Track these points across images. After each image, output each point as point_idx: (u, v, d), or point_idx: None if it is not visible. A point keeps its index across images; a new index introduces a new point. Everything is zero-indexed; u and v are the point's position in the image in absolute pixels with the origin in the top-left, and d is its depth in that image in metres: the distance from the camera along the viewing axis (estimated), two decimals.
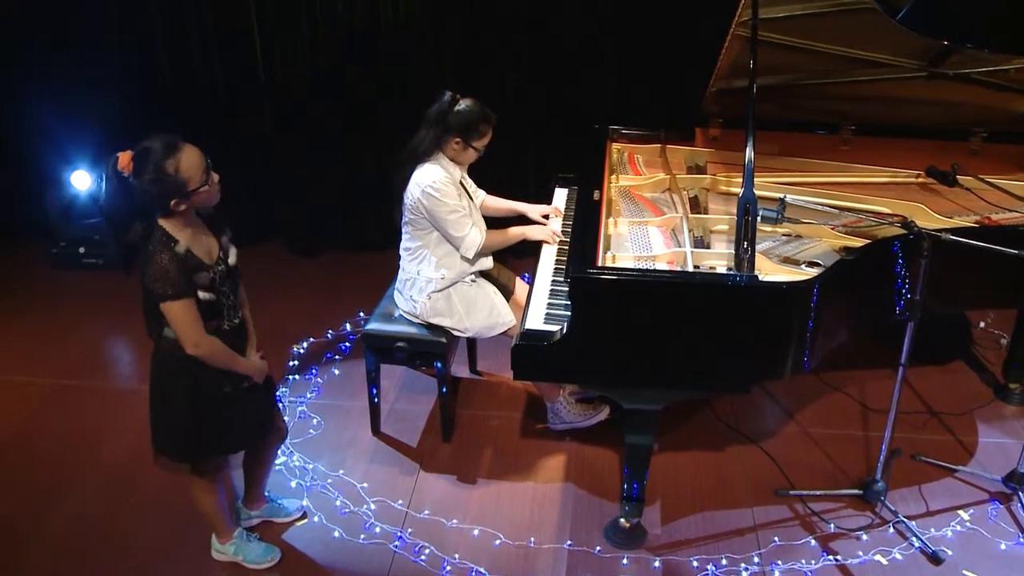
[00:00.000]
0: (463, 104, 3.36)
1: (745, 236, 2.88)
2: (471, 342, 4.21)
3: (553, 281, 3.30)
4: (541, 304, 3.15)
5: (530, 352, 2.91)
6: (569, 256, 3.27)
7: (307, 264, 5.39)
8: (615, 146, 4.13)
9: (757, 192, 2.96)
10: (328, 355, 4.36)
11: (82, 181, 5.00)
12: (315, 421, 3.88)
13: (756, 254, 2.89)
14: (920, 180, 3.80)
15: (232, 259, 2.74)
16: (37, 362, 4.35)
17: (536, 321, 3.05)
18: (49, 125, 4.91)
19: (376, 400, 3.78)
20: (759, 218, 3.08)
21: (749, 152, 3.01)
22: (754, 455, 3.69)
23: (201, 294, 2.59)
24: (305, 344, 4.42)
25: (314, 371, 4.24)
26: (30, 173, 5.11)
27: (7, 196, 5.31)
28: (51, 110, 4.89)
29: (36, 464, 3.64)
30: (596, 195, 3.51)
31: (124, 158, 2.44)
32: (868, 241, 3.17)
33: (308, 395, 4.06)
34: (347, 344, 4.44)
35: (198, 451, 2.80)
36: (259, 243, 5.41)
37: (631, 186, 3.77)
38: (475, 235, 3.43)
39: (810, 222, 3.31)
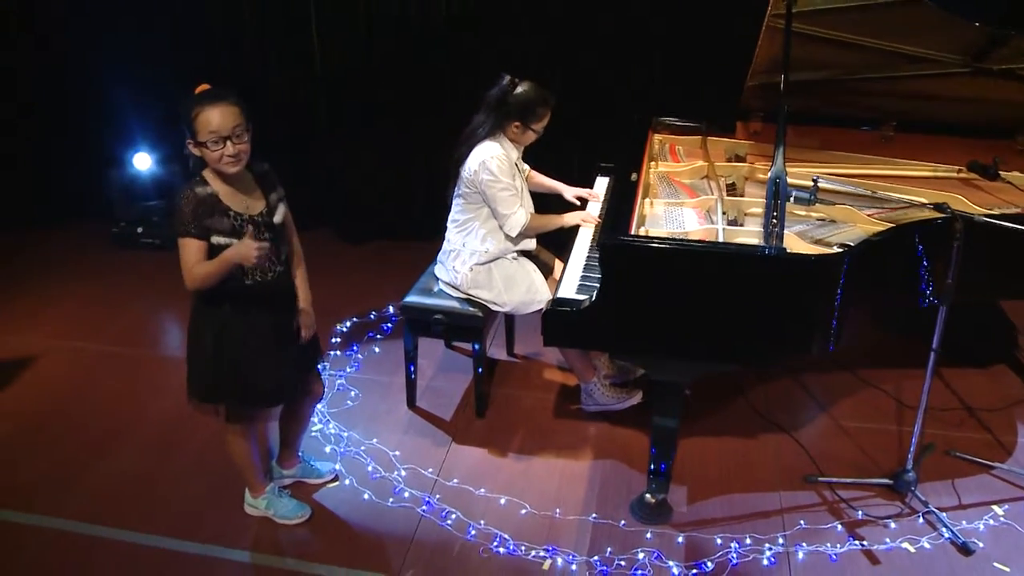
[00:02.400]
0: (522, 87, 3.46)
1: (775, 209, 2.91)
2: (509, 325, 4.28)
3: (588, 257, 3.37)
4: (575, 275, 3.22)
5: (560, 317, 2.98)
6: (602, 227, 3.33)
7: (355, 251, 5.52)
8: (657, 137, 4.19)
9: (794, 180, 2.99)
10: (370, 334, 4.47)
11: (143, 162, 5.21)
12: (353, 393, 3.99)
13: (790, 235, 2.92)
14: (962, 176, 3.78)
15: (279, 217, 2.83)
16: (92, 330, 4.55)
17: (569, 291, 3.12)
18: (114, 107, 5.15)
19: (413, 376, 3.87)
20: (792, 199, 3.12)
21: (781, 129, 3.04)
22: (785, 443, 3.68)
23: (216, 238, 2.68)
24: (348, 323, 4.54)
25: (355, 347, 4.35)
26: (93, 153, 5.33)
27: (72, 175, 5.55)
28: (116, 94, 5.13)
29: (86, 420, 3.80)
30: (633, 176, 3.57)
31: (202, 87, 2.63)
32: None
33: (348, 369, 4.17)
34: (389, 325, 4.54)
35: (220, 397, 2.91)
36: (309, 230, 5.53)
37: (669, 172, 3.82)
38: (521, 215, 3.51)
39: (844, 204, 3.33)
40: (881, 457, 3.59)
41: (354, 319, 4.58)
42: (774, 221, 2.89)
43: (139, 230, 5.28)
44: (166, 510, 3.28)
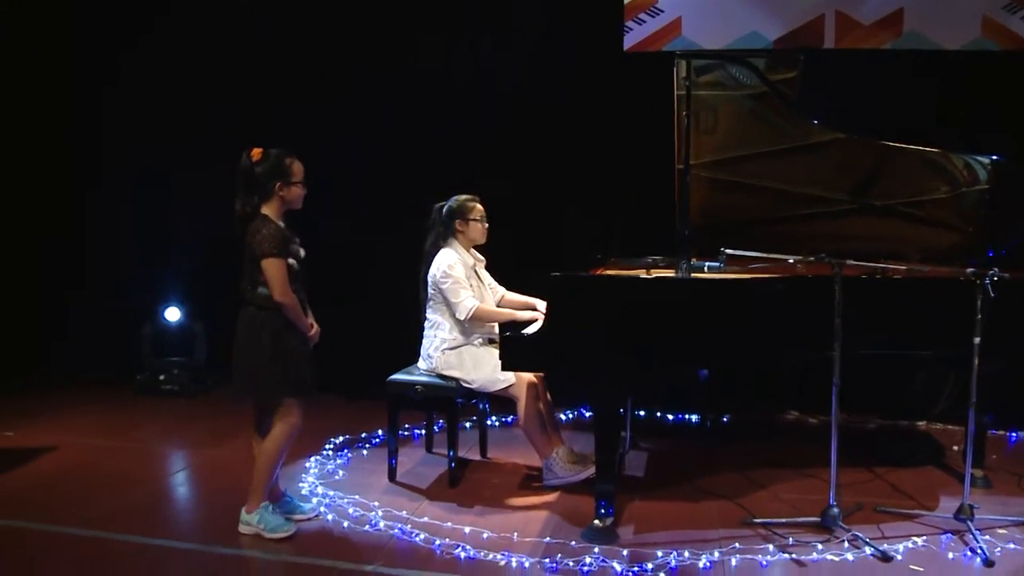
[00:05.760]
0: (449, 201, 4.39)
1: (685, 257, 3.66)
2: (483, 432, 4.79)
3: None
4: (535, 327, 3.89)
5: (515, 342, 3.64)
6: None
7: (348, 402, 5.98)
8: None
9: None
10: (360, 445, 4.96)
11: (173, 315, 5.99)
12: (341, 473, 4.45)
13: None
14: None
15: (303, 254, 3.65)
16: (107, 432, 5.23)
17: (528, 331, 3.80)
18: (148, 265, 6.10)
19: (394, 464, 4.37)
20: (706, 268, 3.88)
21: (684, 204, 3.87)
22: (726, 506, 4.06)
23: (291, 261, 3.51)
24: (341, 438, 5.03)
25: (345, 450, 4.84)
26: (129, 308, 6.17)
27: (106, 328, 6.31)
28: (151, 254, 6.11)
29: (107, 478, 4.38)
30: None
31: (256, 151, 3.53)
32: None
33: (338, 461, 4.65)
34: (376, 440, 5.03)
35: (271, 388, 3.54)
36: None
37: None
38: (468, 302, 4.20)
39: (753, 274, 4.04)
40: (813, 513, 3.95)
41: (346, 436, 5.08)
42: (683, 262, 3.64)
43: (161, 377, 5.92)
44: (171, 524, 3.80)
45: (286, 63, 6.03)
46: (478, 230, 4.38)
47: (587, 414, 5.49)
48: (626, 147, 5.56)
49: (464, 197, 4.39)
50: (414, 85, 5.95)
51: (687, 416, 5.55)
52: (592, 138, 5.66)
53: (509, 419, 5.30)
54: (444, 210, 4.38)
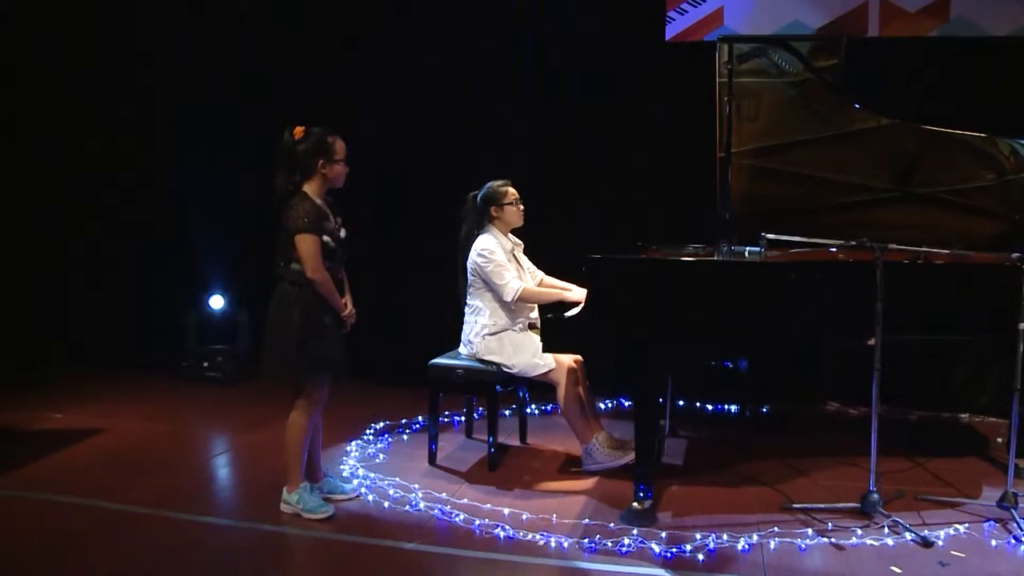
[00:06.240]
0: (484, 189, 4.41)
1: (727, 242, 3.66)
2: (522, 418, 4.82)
3: None
4: (577, 309, 3.91)
5: (558, 324, 3.67)
6: None
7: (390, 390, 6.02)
8: None
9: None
10: (400, 430, 5.02)
11: (217, 303, 6.11)
12: (381, 457, 4.51)
13: None
14: None
15: (343, 234, 3.70)
16: (151, 416, 5.33)
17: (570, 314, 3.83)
18: (194, 254, 6.24)
19: (434, 448, 4.42)
20: (747, 253, 3.87)
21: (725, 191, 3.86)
22: (766, 492, 4.05)
23: (326, 238, 3.55)
24: (381, 423, 5.09)
25: (386, 435, 4.90)
26: (173, 296, 6.31)
27: (151, 317, 6.45)
28: (196, 243, 6.24)
29: (153, 459, 4.52)
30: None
31: (299, 129, 3.58)
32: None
33: (378, 445, 4.71)
34: (417, 425, 5.08)
35: (299, 363, 3.57)
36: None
37: None
38: (514, 283, 4.23)
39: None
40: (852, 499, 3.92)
41: (386, 422, 5.14)
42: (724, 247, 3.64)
43: (205, 364, 6.04)
44: (213, 502, 3.87)
45: (286, 62, 6.06)
46: (513, 214, 4.41)
47: (626, 403, 5.52)
48: (663, 137, 5.55)
49: (497, 183, 4.41)
50: (437, 78, 5.98)
51: (727, 406, 5.54)
52: (631, 128, 5.66)
53: (548, 407, 5.35)
54: (478, 198, 4.41)
